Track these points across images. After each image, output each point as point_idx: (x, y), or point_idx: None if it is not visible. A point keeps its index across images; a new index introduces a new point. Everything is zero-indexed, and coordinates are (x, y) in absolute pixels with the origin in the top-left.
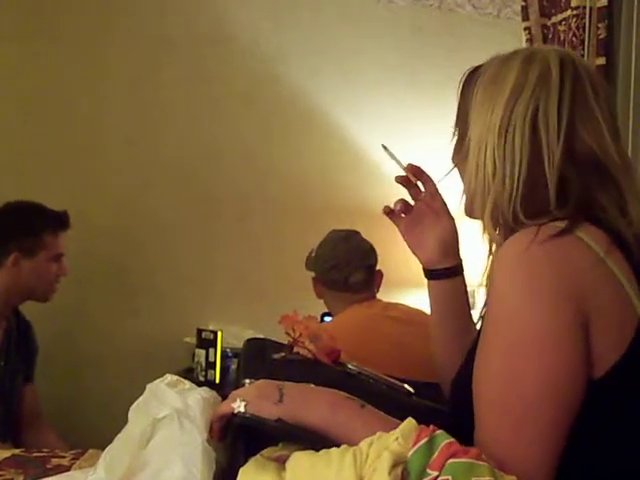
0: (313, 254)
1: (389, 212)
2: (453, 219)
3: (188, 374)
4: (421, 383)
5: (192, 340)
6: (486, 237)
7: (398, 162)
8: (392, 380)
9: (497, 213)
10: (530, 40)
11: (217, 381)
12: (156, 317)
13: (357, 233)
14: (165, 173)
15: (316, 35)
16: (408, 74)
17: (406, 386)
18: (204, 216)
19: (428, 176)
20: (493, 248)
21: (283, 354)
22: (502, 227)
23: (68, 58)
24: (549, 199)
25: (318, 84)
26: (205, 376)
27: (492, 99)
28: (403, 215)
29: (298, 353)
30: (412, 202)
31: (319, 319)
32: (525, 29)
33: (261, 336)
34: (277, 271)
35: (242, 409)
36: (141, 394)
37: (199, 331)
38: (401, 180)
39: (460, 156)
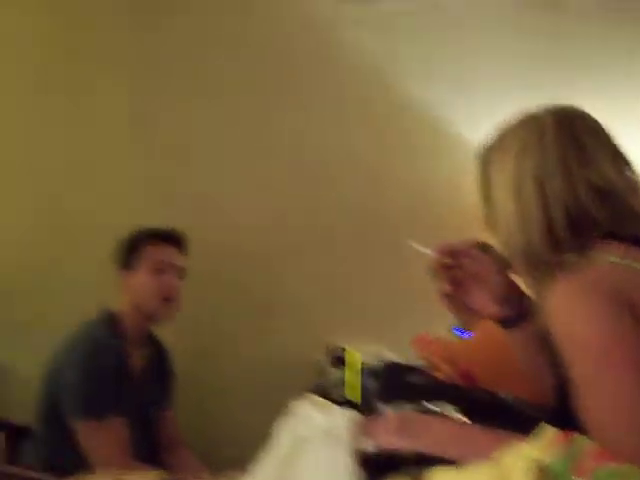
0: None
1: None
2: (503, 272)
3: (318, 393)
4: None
5: (323, 358)
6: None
7: (428, 253)
8: (527, 407)
9: (529, 263)
10: None
11: (351, 399)
12: (285, 336)
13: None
14: (282, 190)
15: (427, 38)
16: (530, 77)
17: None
18: (326, 237)
19: (461, 246)
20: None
21: (421, 378)
22: (539, 270)
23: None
24: (566, 236)
25: (430, 89)
26: (339, 395)
27: (503, 164)
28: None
29: (435, 377)
30: None
31: (450, 331)
32: None
33: (395, 358)
34: (406, 285)
35: (371, 449)
36: (273, 413)
37: (331, 349)
38: (440, 269)
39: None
